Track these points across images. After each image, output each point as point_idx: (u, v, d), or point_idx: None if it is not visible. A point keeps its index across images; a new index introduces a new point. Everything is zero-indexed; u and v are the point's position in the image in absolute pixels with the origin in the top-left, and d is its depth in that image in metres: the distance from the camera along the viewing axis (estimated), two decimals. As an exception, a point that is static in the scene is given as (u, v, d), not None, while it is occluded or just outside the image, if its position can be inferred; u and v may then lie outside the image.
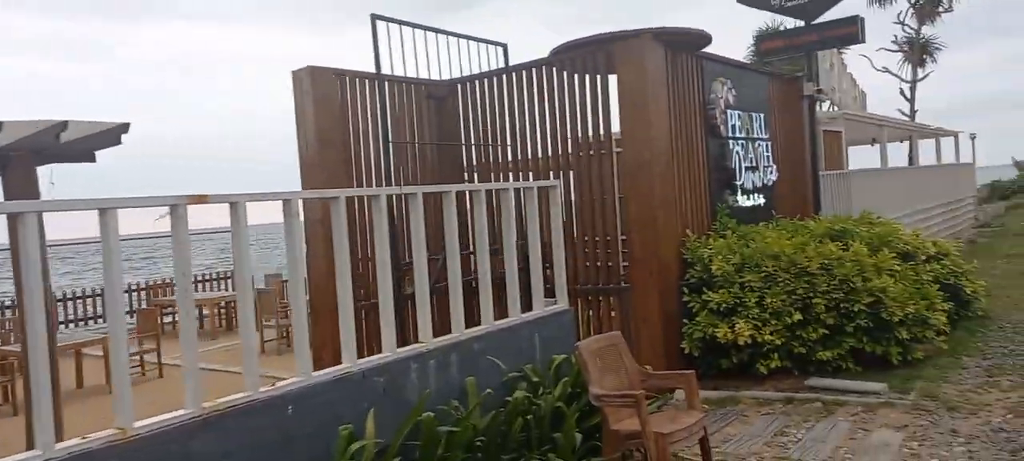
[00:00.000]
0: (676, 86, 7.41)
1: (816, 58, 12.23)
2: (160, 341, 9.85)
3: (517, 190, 6.14)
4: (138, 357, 9.51)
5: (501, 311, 5.13)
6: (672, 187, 7.16)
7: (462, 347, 4.59)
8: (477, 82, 8.00)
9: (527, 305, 5.41)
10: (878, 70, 27.63)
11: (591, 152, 7.28)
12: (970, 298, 8.28)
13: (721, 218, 7.87)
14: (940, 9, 26.47)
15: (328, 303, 6.04)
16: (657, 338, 6.89)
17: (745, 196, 8.47)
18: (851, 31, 9.44)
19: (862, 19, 9.45)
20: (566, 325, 5.56)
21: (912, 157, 18.26)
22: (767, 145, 8.97)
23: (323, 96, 6.88)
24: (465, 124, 8.14)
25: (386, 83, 7.49)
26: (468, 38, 7.22)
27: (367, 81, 7.29)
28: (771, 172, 9.00)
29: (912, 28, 26.94)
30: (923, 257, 7.65)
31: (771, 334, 6.62)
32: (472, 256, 5.95)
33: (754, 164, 8.65)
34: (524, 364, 4.99)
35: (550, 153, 7.55)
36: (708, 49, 7.91)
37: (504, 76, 7.82)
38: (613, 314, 7.24)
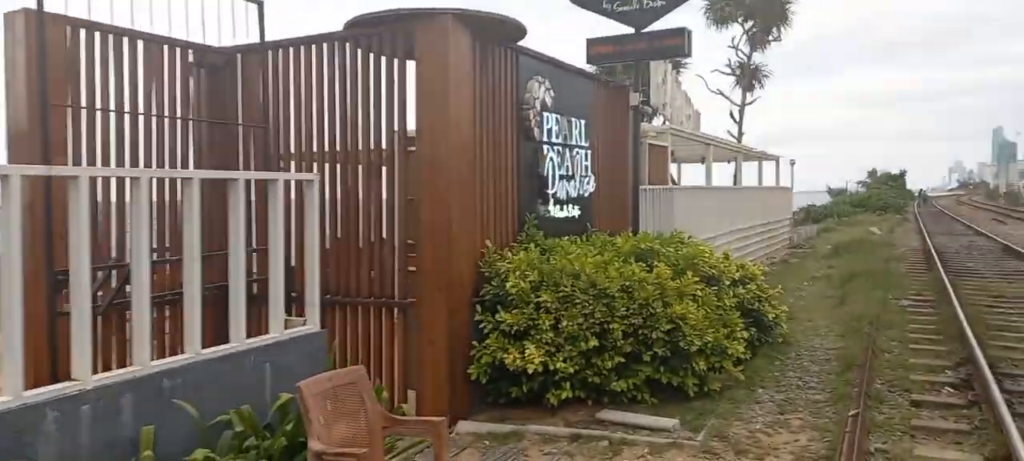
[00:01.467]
0: (485, 79, 6.65)
1: (648, 70, 12.06)
2: None
3: (256, 182, 5.09)
4: None
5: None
6: (472, 192, 6.39)
7: (142, 385, 3.51)
8: (262, 53, 6.84)
9: (263, 326, 4.41)
10: (712, 92, 28.89)
11: (384, 147, 6.36)
12: (772, 324, 8.18)
13: (528, 229, 7.22)
14: (770, 38, 28.04)
15: None
16: (442, 362, 6.08)
17: (558, 207, 7.88)
18: (677, 42, 9.17)
19: (689, 31, 9.21)
20: (315, 352, 4.61)
21: (736, 178, 18.88)
22: (586, 153, 8.46)
23: (41, 47, 5.47)
24: (246, 102, 6.96)
25: (139, 41, 6.19)
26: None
27: (110, 36, 5.95)
28: (589, 182, 8.50)
29: (744, 54, 28.37)
30: (727, 281, 7.39)
31: (564, 361, 6.01)
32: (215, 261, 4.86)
33: (570, 173, 8.10)
34: (246, 404, 3.98)
35: (338, 144, 6.55)
36: (525, 43, 7.24)
37: (292, 49, 6.72)
38: (396, 333, 6.36)
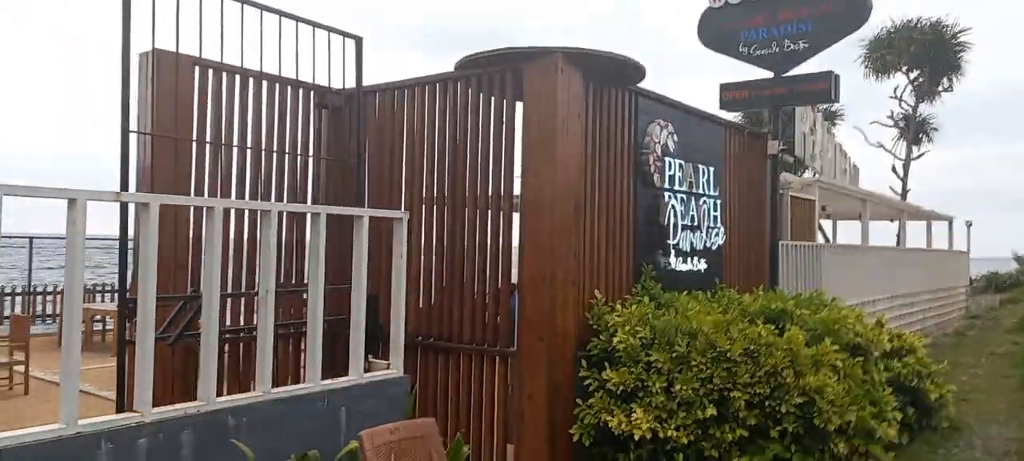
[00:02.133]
0: (598, 120, 6.28)
1: (793, 118, 11.18)
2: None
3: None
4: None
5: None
6: (580, 238, 5.98)
7: (204, 422, 3.37)
8: (380, 94, 6.89)
9: (343, 367, 4.20)
10: (872, 145, 26.60)
11: (490, 190, 6.11)
12: (934, 405, 7.03)
13: (645, 282, 6.67)
14: (940, 89, 25.47)
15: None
16: (541, 419, 5.64)
17: (681, 259, 7.27)
18: (822, 87, 8.34)
19: (835, 75, 8.36)
20: (397, 398, 4.34)
21: (900, 238, 17.09)
22: (714, 203, 7.81)
23: (169, 88, 5.74)
24: (363, 141, 6.99)
25: (264, 81, 6.39)
26: (315, 25, 6.10)
27: (236, 76, 6.18)
28: (717, 234, 7.82)
29: (908, 105, 25.92)
30: (877, 352, 6.42)
31: (677, 429, 5.38)
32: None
33: (695, 223, 7.47)
34: (316, 449, 3.76)
35: (446, 185, 6.39)
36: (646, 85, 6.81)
37: (406, 90, 6.71)
38: (497, 383, 6.00)
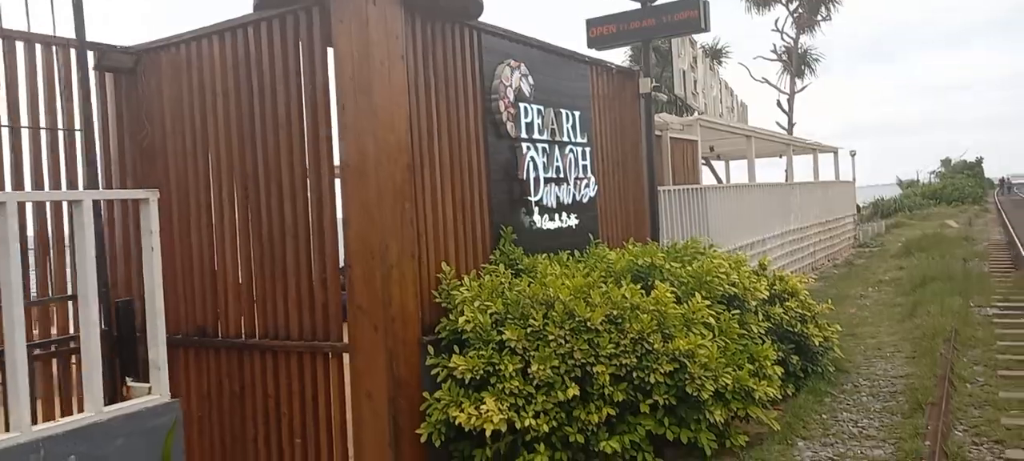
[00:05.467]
0: (430, 63, 5.37)
1: (670, 54, 10.60)
2: None
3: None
4: None
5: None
6: (415, 202, 5.10)
7: None
8: (171, 50, 5.74)
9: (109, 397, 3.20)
10: (756, 80, 26.78)
11: (306, 156, 5.14)
12: (819, 350, 6.61)
13: (504, 246, 5.88)
14: (818, 18, 25.75)
15: None
16: (382, 420, 4.79)
17: (546, 216, 6.52)
18: (691, 16, 7.70)
19: (705, 2, 7.73)
20: (156, 433, 3.37)
21: (788, 174, 17.08)
22: (583, 151, 7.08)
23: None
24: (161, 107, 5.84)
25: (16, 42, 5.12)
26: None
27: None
28: (587, 185, 7.10)
29: (790, 37, 26.13)
30: (755, 302, 5.88)
31: (536, 416, 4.65)
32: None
33: (561, 174, 6.72)
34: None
35: (248, 155, 5.37)
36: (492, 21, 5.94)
37: (202, 42, 5.59)
38: (332, 385, 5.11)
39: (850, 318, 9.94)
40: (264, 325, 5.38)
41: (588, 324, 4.77)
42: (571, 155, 6.90)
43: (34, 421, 3.14)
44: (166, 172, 5.81)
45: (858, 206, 29.22)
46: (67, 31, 5.20)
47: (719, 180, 21.28)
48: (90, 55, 5.57)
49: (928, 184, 57.59)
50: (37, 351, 4.40)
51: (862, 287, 13.09)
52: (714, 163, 21.79)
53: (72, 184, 5.07)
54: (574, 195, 6.91)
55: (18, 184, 4.73)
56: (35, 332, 4.27)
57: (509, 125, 6.10)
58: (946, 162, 68.37)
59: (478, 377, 4.73)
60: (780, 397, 5.50)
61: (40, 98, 5.10)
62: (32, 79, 5.07)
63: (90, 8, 5.14)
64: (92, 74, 5.61)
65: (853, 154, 23.67)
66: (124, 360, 4.32)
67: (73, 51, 5.34)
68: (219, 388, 5.60)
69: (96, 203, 4.57)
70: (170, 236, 5.77)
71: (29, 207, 4.32)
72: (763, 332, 5.76)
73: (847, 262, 17.88)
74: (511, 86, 6.13)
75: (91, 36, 5.36)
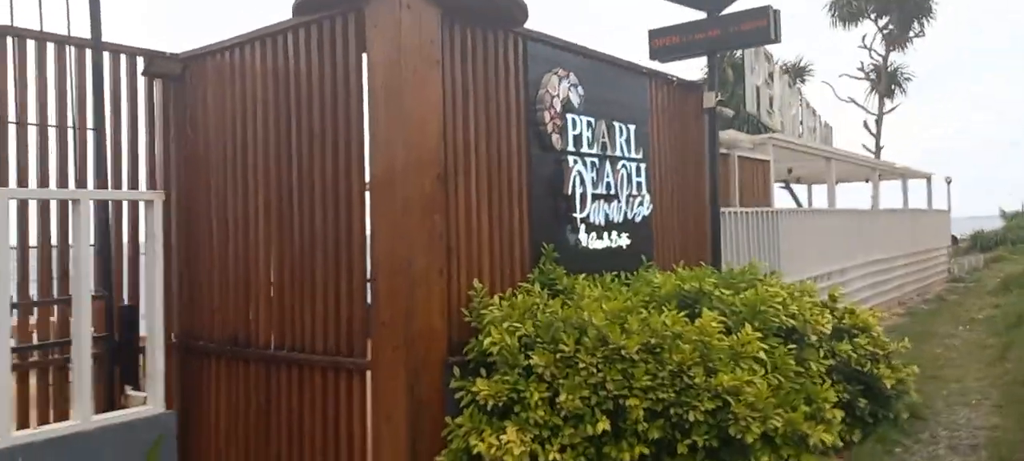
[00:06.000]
0: (469, 70, 5.14)
1: (742, 69, 10.08)
2: None
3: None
4: None
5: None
6: (446, 215, 4.87)
7: None
8: (219, 56, 5.74)
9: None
10: (842, 100, 25.35)
11: (340, 164, 4.99)
12: (892, 393, 5.98)
13: (543, 264, 5.57)
14: (911, 34, 24.19)
15: None
16: (401, 445, 4.55)
17: (594, 234, 6.18)
18: (759, 25, 7.23)
19: (775, 10, 7.25)
20: (145, 445, 3.23)
21: (875, 201, 16.07)
22: (637, 167, 6.71)
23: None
24: (206, 115, 5.84)
25: (72, 49, 5.18)
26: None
27: (38, 43, 4.95)
28: (641, 203, 6.72)
29: (879, 55, 24.66)
30: (815, 337, 5.35)
31: (561, 451, 4.31)
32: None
33: (612, 191, 6.37)
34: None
35: (283, 162, 5.27)
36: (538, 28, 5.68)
37: (241, 49, 5.55)
38: (354, 403, 4.91)
39: (934, 358, 9.11)
40: (292, 337, 5.25)
41: (623, 353, 4.40)
42: (624, 171, 6.54)
43: (26, 426, 3.04)
44: (207, 181, 5.80)
45: (955, 237, 27.36)
46: (85, 31, 5.18)
47: (799, 205, 20.30)
48: (139, 61, 5.63)
49: (1036, 216, 53.46)
50: (35, 355, 4.29)
51: (952, 325, 12.07)
52: (795, 187, 20.81)
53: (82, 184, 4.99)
54: (626, 213, 6.54)
55: (43, 181, 4.71)
56: (33, 336, 4.24)
57: (555, 137, 5.80)
58: (1057, 193, 63.47)
59: (501, 404, 4.43)
60: (841, 443, 4.96)
61: (49, 97, 5.00)
62: (42, 78, 4.99)
63: (132, 9, 5.15)
64: (141, 80, 5.66)
65: (948, 181, 22.14)
66: (125, 368, 4.24)
67: (88, 52, 5.30)
68: (247, 401, 5.50)
69: (103, 204, 4.48)
70: (210, 245, 5.75)
71: (33, 206, 4.28)
72: (825, 371, 5.23)
73: (938, 297, 16.64)
74: (558, 96, 5.84)
75: (127, 39, 5.35)
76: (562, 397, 4.37)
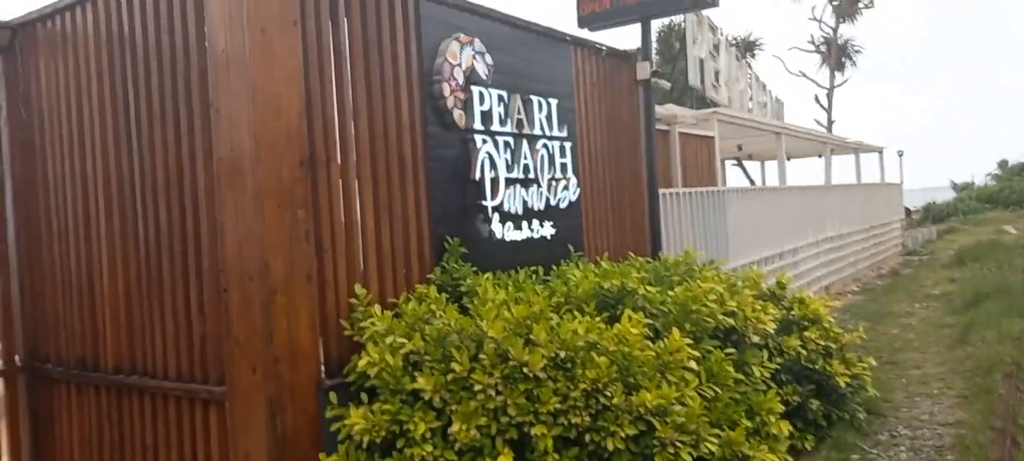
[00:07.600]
0: (340, 32, 4.28)
1: (685, 39, 9.37)
2: None
3: None
4: None
5: None
6: (315, 208, 4.01)
7: None
8: (50, 22, 4.78)
9: None
10: (793, 74, 25.09)
11: (184, 148, 4.10)
12: (846, 391, 5.33)
13: (448, 262, 4.76)
14: (860, 5, 23.86)
15: None
16: (260, 491, 3.72)
17: (511, 225, 5.38)
18: (696, -15, 6.48)
19: (713, -31, 6.51)
20: None
21: (827, 176, 15.62)
22: (561, 147, 5.93)
23: None
24: (40, 92, 4.89)
25: None
26: None
27: None
28: (565, 187, 5.95)
29: (829, 27, 24.30)
30: (756, 336, 4.63)
31: (453, 494, 3.52)
32: None
33: (530, 175, 5.58)
34: None
35: (123, 149, 4.36)
36: None
37: (75, 10, 4.60)
38: (212, 441, 4.05)
39: (891, 341, 8.57)
40: (143, 360, 4.38)
41: (526, 370, 3.62)
42: (545, 151, 5.75)
43: None
44: (44, 171, 4.87)
45: (908, 209, 27.33)
46: None
47: (752, 183, 19.84)
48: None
49: (983, 187, 54.49)
50: None
51: (908, 302, 11.63)
52: (748, 165, 20.34)
53: None
54: (548, 199, 5.76)
55: None
56: None
57: (457, 113, 4.98)
58: (1003, 163, 64.82)
59: (379, 441, 3.62)
60: (789, 460, 4.27)
61: None
62: None
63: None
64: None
65: (900, 154, 21.97)
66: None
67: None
68: (100, 434, 4.63)
69: None
70: (51, 248, 4.84)
71: None
72: (770, 374, 4.53)
73: (893, 272, 16.32)
74: (460, 66, 5.01)
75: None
76: (455, 427, 3.58)
